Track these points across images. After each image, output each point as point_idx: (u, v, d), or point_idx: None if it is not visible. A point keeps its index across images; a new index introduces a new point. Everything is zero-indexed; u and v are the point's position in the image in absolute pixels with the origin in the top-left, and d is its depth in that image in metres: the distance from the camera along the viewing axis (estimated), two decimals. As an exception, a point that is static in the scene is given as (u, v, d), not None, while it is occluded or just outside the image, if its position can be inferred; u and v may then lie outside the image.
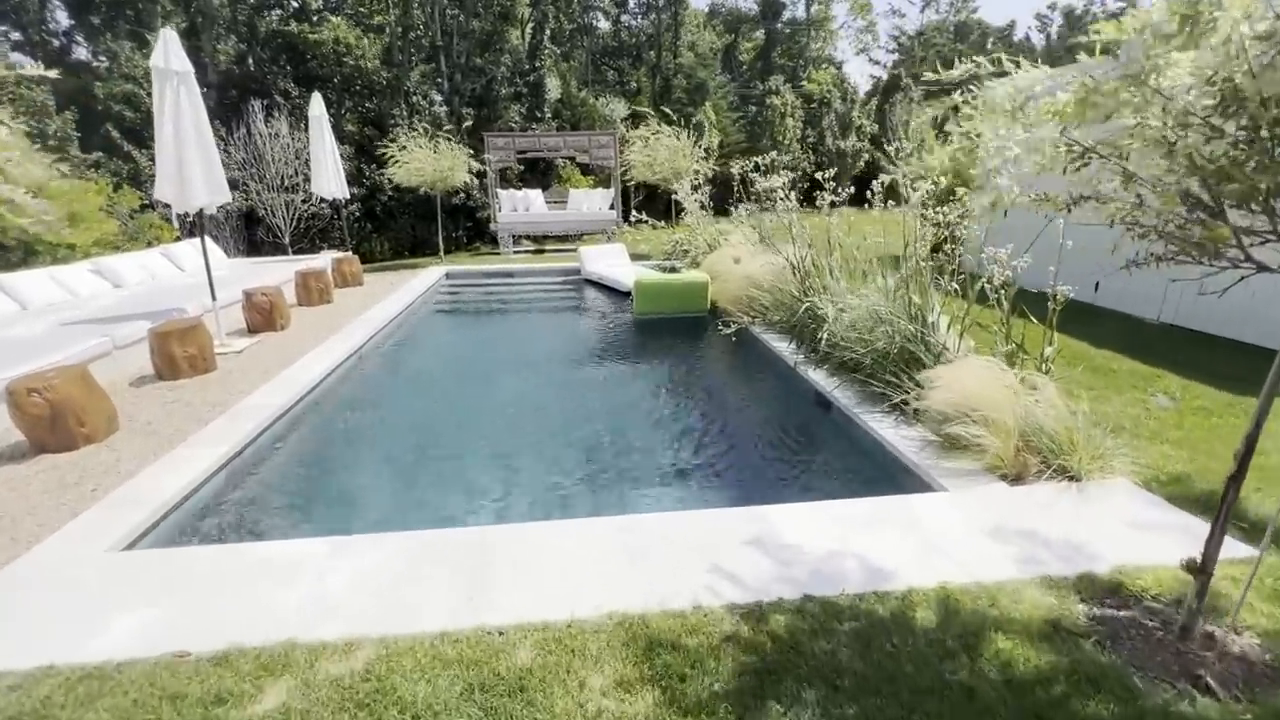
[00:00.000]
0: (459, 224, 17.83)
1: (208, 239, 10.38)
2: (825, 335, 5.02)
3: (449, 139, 11.30)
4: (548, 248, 14.78)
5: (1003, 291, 3.89)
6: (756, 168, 9.32)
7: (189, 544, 3.14)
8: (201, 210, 5.93)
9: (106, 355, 5.31)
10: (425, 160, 10.86)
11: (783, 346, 5.87)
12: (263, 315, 6.72)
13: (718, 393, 5.70)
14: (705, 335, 7.38)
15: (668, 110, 15.86)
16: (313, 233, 14.85)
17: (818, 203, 6.17)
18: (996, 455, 3.38)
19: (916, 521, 3.03)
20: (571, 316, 8.75)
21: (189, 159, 5.61)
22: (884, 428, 4.05)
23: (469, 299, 9.97)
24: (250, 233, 14.40)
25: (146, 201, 11.24)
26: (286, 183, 13.63)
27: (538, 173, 18.70)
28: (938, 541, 2.84)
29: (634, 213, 11.33)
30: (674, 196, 10.95)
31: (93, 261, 7.81)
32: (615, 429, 4.76)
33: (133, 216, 10.58)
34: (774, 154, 9.01)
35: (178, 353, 5.18)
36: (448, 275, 10.77)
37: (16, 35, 19.57)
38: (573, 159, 18.82)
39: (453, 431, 4.73)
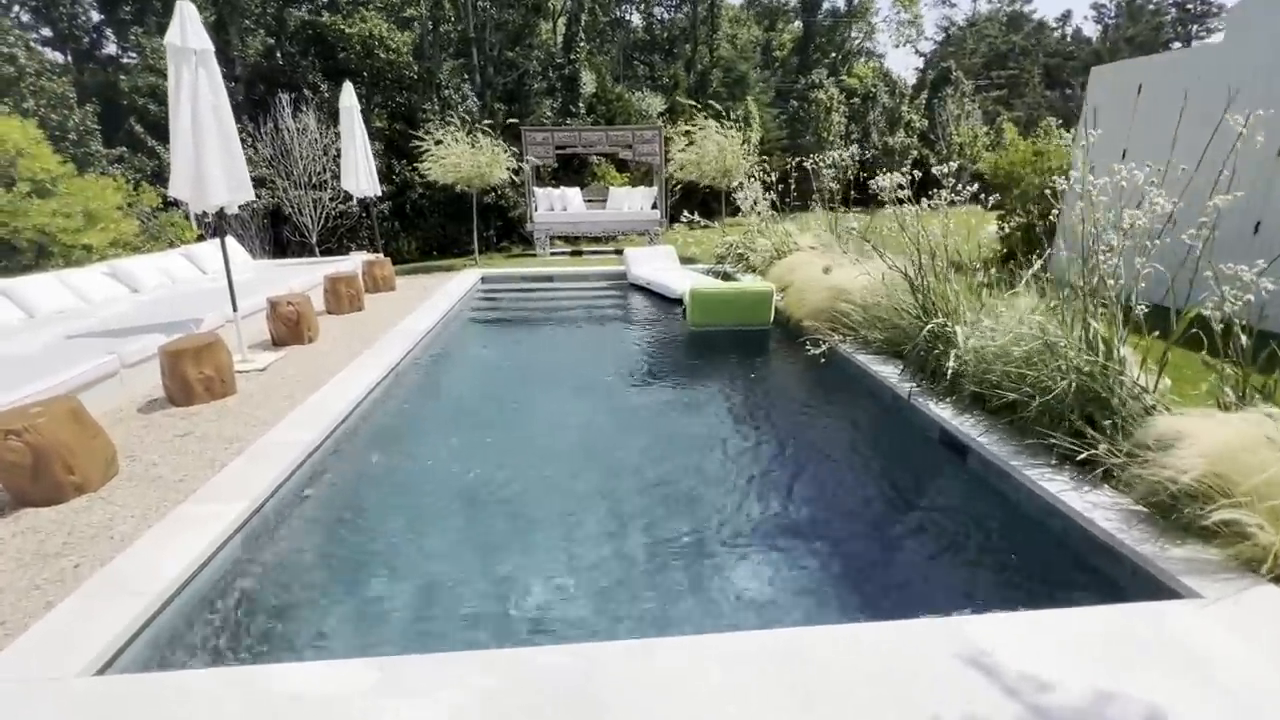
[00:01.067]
0: (489, 223, 17.17)
1: (230, 240, 9.81)
2: (954, 364, 4.15)
3: (488, 133, 10.58)
4: (584, 249, 14.01)
5: (1236, 320, 2.98)
6: (831, 164, 8.43)
7: (186, 661, 2.39)
8: (221, 209, 5.23)
9: (113, 375, 4.63)
10: (463, 156, 10.14)
11: (886, 372, 4.99)
12: (289, 326, 6.03)
13: (812, 428, 4.84)
14: (779, 353, 6.52)
15: (713, 104, 14.98)
16: (340, 232, 14.27)
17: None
18: (1257, 544, 2.50)
19: (1180, 646, 2.16)
20: (621, 327, 7.95)
21: (207, 151, 4.91)
22: (1059, 488, 3.16)
23: (508, 306, 9.22)
24: (276, 232, 13.86)
25: (169, 200, 10.71)
26: (314, 180, 13.06)
27: (570, 170, 17.96)
28: (1235, 687, 1.97)
29: (685, 213, 10.50)
30: (732, 194, 10.08)
31: (108, 264, 7.20)
32: (697, 475, 3.94)
33: (154, 215, 10.03)
34: (851, 149, 8.11)
35: (192, 374, 4.48)
36: (483, 279, 10.05)
37: (47, 31, 19.37)
38: (611, 156, 18.06)
39: (506, 477, 3.95)
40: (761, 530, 3.38)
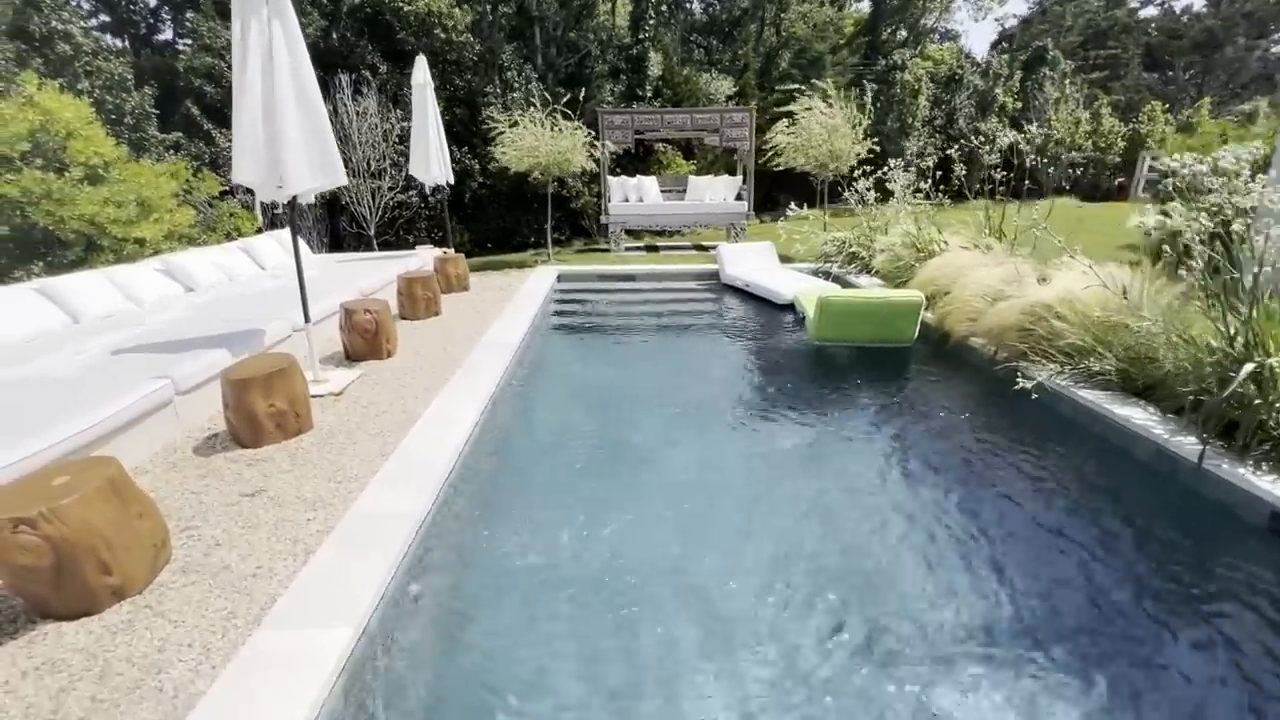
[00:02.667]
0: (548, 215, 16.20)
1: (288, 233, 9.03)
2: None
3: (569, 116, 9.54)
4: (659, 243, 12.90)
5: None
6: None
7: None
8: (294, 199, 4.29)
9: (166, 406, 3.74)
10: (541, 140, 9.12)
11: (1137, 420, 3.76)
12: (366, 339, 5.10)
13: (1037, 492, 3.61)
14: (949, 381, 5.30)
15: (807, 87, 13.62)
16: (399, 224, 13.48)
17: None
18: None
19: None
20: (724, 339, 6.82)
21: (285, 125, 3.95)
22: None
23: (591, 310, 8.18)
24: (333, 223, 13.14)
25: (225, 187, 9.99)
26: (373, 167, 12.26)
27: (633, 158, 16.84)
28: None
29: (791, 205, 9.34)
30: (849, 182, 8.82)
31: (161, 260, 6.41)
32: (888, 560, 2.83)
33: (210, 204, 9.32)
34: (1008, 133, 6.79)
35: (260, 407, 3.55)
36: (560, 278, 9.04)
37: (105, 17, 19.11)
38: (692, 141, 16.87)
39: (643, 565, 2.89)
40: (995, 648, 2.27)
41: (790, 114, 9.96)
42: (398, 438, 3.71)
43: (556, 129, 9.32)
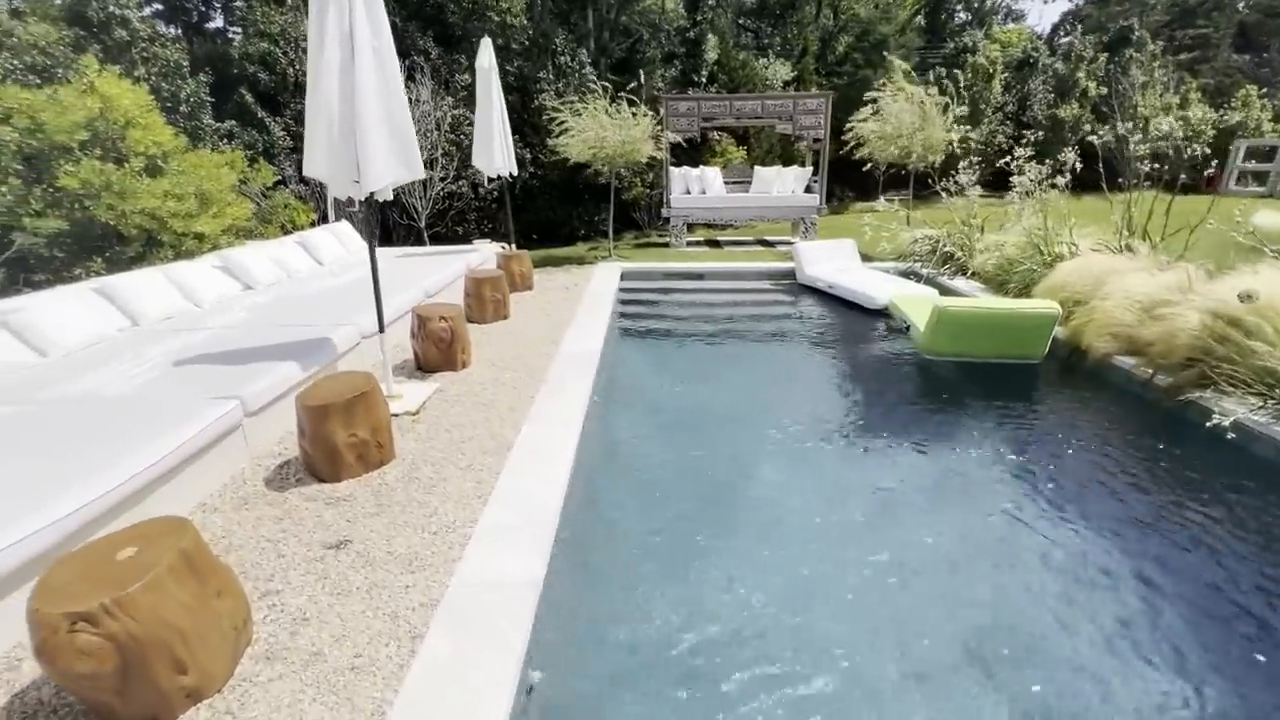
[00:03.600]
0: (598, 207, 15.64)
1: (345, 226, 8.68)
2: None
3: (634, 102, 8.95)
4: (719, 238, 12.25)
5: None
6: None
7: None
8: (371, 196, 3.82)
9: (234, 430, 3.32)
10: (608, 129, 8.56)
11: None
12: (441, 349, 4.64)
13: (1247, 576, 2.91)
14: (1106, 411, 4.57)
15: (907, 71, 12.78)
16: (450, 216, 13.11)
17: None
18: None
19: None
20: (815, 350, 6.18)
21: (366, 116, 3.48)
22: None
23: (661, 313, 7.63)
24: (383, 214, 12.83)
25: (279, 177, 9.70)
26: (426, 157, 11.86)
27: (688, 147, 16.15)
28: None
29: (883, 197, 8.60)
30: (950, 173, 8.03)
31: (219, 256, 6.07)
32: (1073, 652, 2.21)
33: (265, 196, 9.03)
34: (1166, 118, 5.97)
35: (340, 437, 3.09)
36: (624, 276, 8.50)
37: (158, 4, 19.16)
38: (744, 131, 16.14)
39: (812, 634, 2.34)
40: None
41: (873, 100, 9.18)
42: (492, 472, 3.22)
43: (621, 117, 8.73)
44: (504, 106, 7.83)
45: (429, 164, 12.14)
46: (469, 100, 14.55)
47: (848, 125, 9.46)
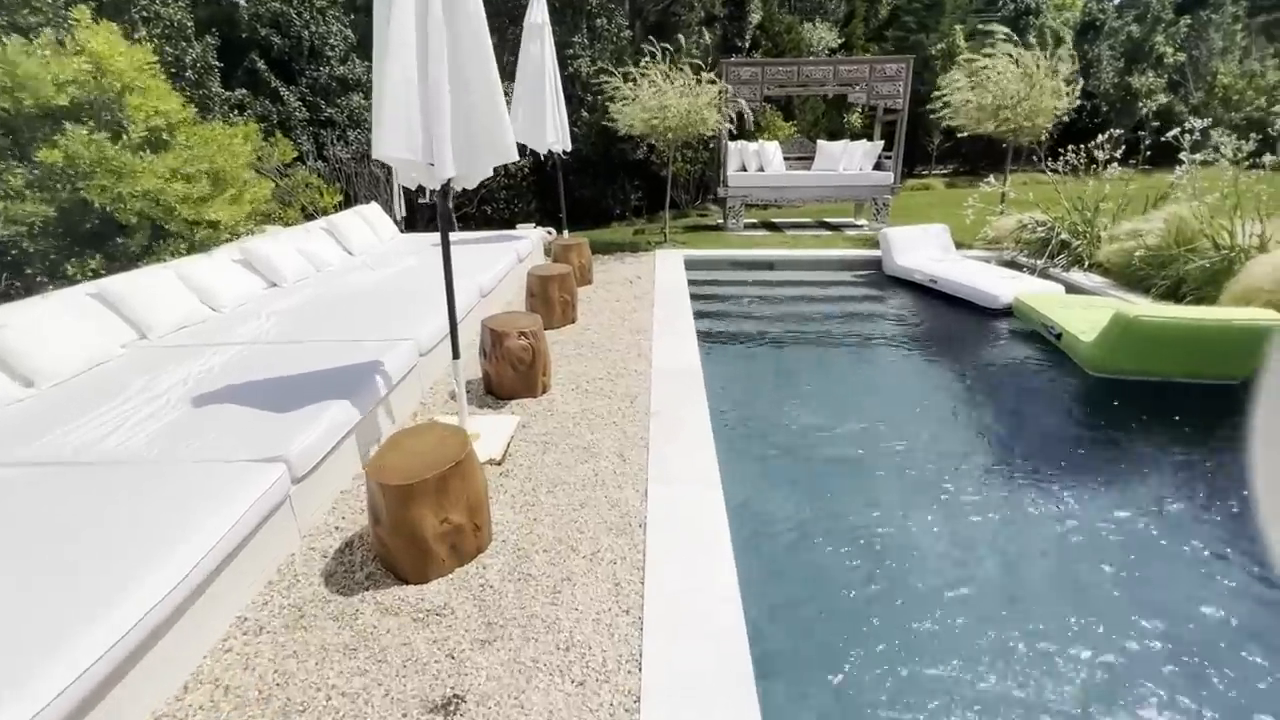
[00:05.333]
0: (627, 187, 14.56)
1: (374, 209, 7.71)
2: None
3: (700, 67, 7.88)
4: (776, 220, 11.21)
5: None
6: None
7: None
8: (448, 183, 2.90)
9: (280, 505, 2.46)
10: (671, 99, 7.50)
11: None
12: (519, 370, 3.74)
13: None
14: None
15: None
16: (479, 195, 12.11)
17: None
18: None
19: None
20: (940, 361, 5.27)
21: (443, 91, 2.56)
22: None
23: (740, 311, 6.68)
24: (407, 195, 11.85)
25: (298, 153, 8.73)
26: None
27: (741, 121, 14.99)
28: None
29: (990, 178, 7.59)
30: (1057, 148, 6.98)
31: (239, 248, 5.17)
32: None
33: (284, 174, 8.08)
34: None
35: (429, 528, 2.23)
36: (687, 265, 7.54)
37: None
38: (787, 100, 14.94)
39: None
40: None
41: (970, 61, 8.07)
42: (631, 566, 2.35)
43: (684, 83, 7.67)
44: (558, 72, 6.82)
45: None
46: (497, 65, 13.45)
47: (935, 94, 8.35)
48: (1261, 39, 18.00)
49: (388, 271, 5.70)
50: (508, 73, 12.37)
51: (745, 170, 9.84)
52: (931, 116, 8.71)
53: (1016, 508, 3.09)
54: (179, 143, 5.08)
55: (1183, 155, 5.97)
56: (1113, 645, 2.26)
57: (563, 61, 12.80)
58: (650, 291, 6.26)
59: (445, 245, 3.07)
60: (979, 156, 17.20)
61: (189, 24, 8.70)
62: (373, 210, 7.36)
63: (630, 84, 7.84)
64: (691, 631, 2.05)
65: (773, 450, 3.70)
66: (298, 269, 5.50)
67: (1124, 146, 6.85)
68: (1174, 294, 5.57)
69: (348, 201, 9.94)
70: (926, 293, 6.80)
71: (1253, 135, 5.57)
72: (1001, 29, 8.47)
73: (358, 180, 10.65)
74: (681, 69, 7.72)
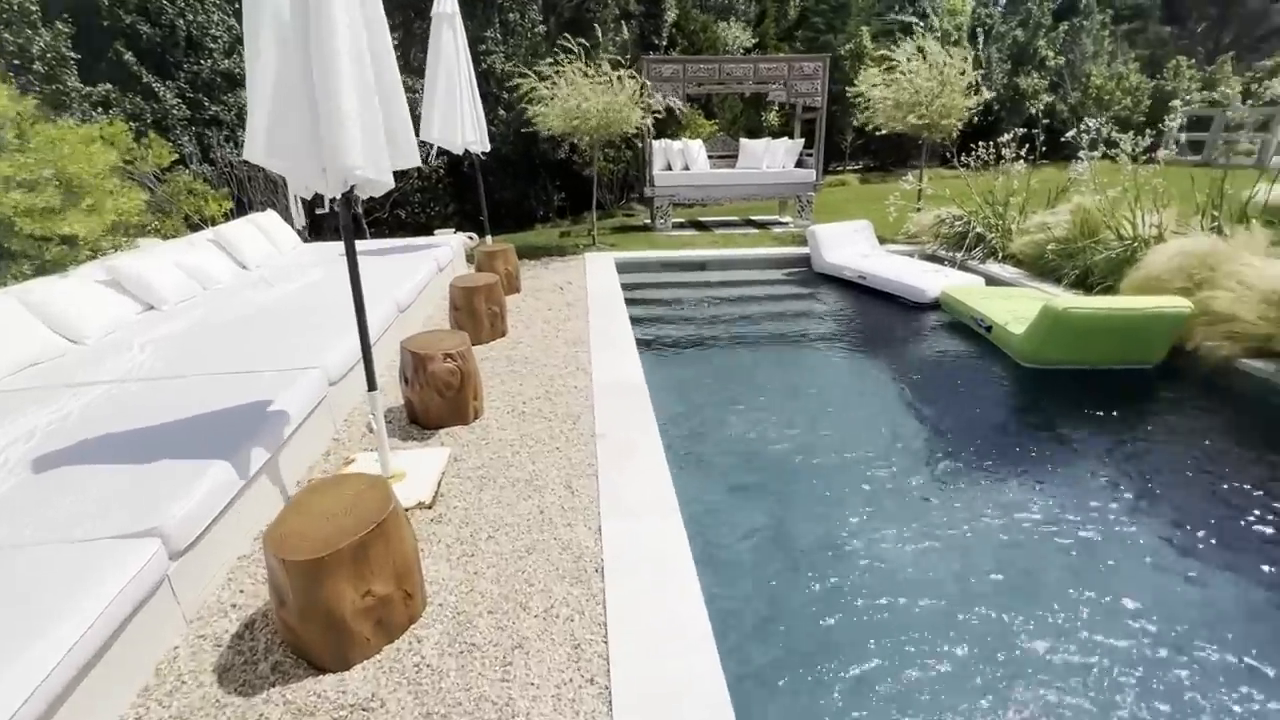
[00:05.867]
0: (549, 188, 14.15)
1: (270, 217, 6.97)
2: None
3: (620, 64, 7.60)
4: (702, 219, 11.15)
5: None
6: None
7: None
8: (350, 190, 2.51)
9: (158, 586, 2.00)
10: (592, 96, 7.19)
11: None
12: (448, 396, 3.36)
13: None
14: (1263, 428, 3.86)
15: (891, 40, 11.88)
16: (390, 200, 11.34)
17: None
18: None
19: None
20: (880, 358, 5.30)
21: (338, 76, 2.18)
22: None
23: (676, 314, 6.51)
24: (307, 202, 10.92)
25: (177, 156, 7.78)
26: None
27: (664, 119, 14.85)
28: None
29: (908, 176, 7.78)
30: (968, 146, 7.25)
31: (104, 266, 4.46)
32: None
33: (160, 179, 7.17)
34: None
35: (348, 604, 1.85)
36: (619, 267, 7.30)
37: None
38: (707, 98, 14.96)
39: None
40: None
41: (885, 58, 8.27)
42: (590, 624, 2.07)
43: (603, 79, 7.39)
44: (471, 68, 6.38)
45: (363, 138, 10.35)
46: (404, 61, 12.67)
47: (852, 91, 8.51)
48: (1125, 44, 19.84)
49: (289, 287, 5.10)
50: (416, 69, 11.70)
51: (671, 169, 9.69)
52: (854, 111, 8.86)
53: (1014, 508, 3.05)
54: (11, 144, 4.30)
55: (1082, 153, 6.31)
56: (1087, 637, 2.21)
57: (476, 58, 12.22)
58: (583, 298, 5.96)
59: (352, 264, 2.68)
60: (888, 153, 17.95)
61: (33, 7, 7.56)
62: (269, 218, 6.64)
63: (547, 83, 7.48)
64: (666, 693, 1.79)
65: (730, 466, 3.51)
66: (180, 288, 4.82)
67: (1028, 144, 7.19)
68: (1082, 283, 5.86)
69: (241, 209, 9.02)
70: (856, 289, 6.88)
71: (1147, 131, 5.94)
72: (912, 20, 8.69)
73: (251, 185, 9.69)
74: (600, 65, 7.44)
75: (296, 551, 1.79)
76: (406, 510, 2.72)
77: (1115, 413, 3.98)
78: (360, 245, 6.82)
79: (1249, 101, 19.47)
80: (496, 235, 10.68)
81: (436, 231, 7.70)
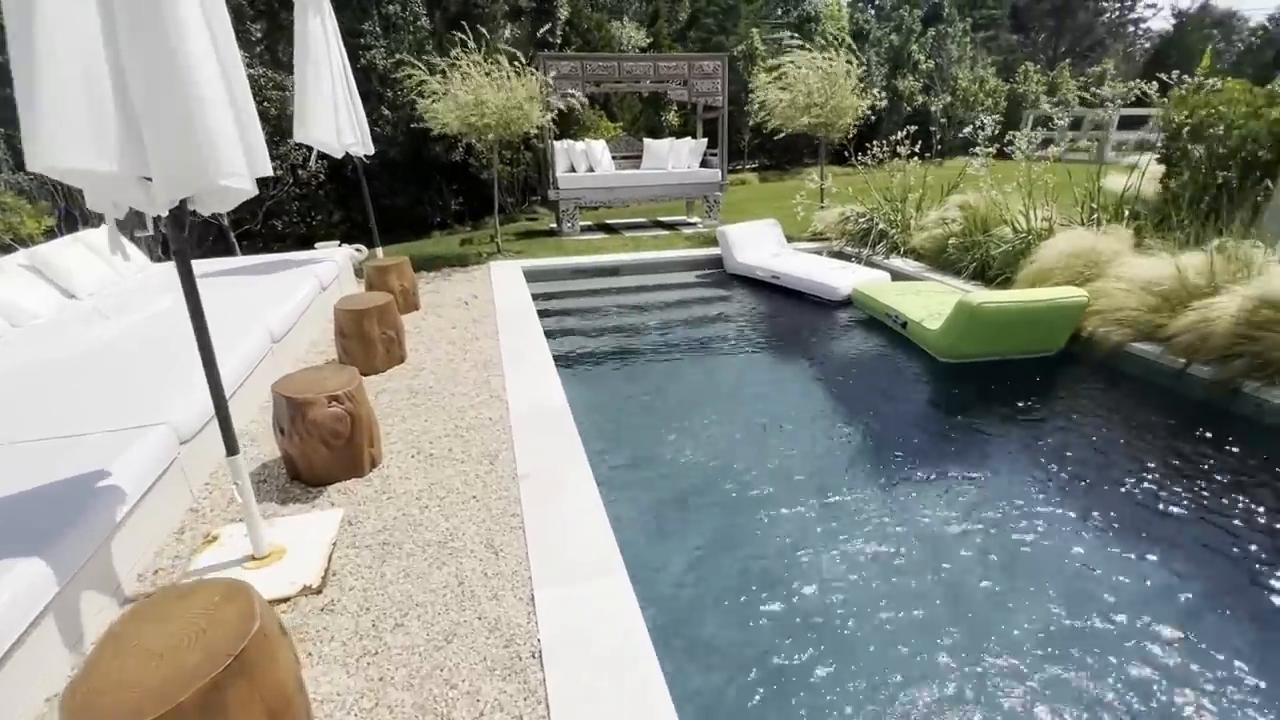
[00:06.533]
0: (445, 192, 13.35)
1: (106, 232, 5.90)
2: None
3: (516, 60, 7.10)
4: (609, 220, 10.85)
5: None
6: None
7: None
8: (182, 206, 1.96)
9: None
10: (489, 94, 6.65)
11: None
12: (335, 447, 2.82)
13: None
14: (1161, 408, 4.06)
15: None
16: (265, 208, 10.15)
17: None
18: None
19: None
20: (800, 360, 5.24)
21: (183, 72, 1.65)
22: None
23: (589, 326, 6.14)
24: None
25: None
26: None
27: (561, 119, 14.37)
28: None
29: (812, 177, 7.85)
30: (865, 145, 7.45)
31: None
32: None
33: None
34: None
35: (198, 763, 1.37)
36: (527, 276, 6.85)
37: None
38: (605, 98, 14.69)
39: None
40: None
41: (775, 66, 8.36)
42: (532, 732, 1.69)
43: (500, 77, 6.90)
44: (346, 61, 5.70)
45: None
46: (270, 56, 11.44)
47: (750, 91, 8.54)
48: (983, 51, 21.69)
49: (131, 319, 4.27)
50: (286, 64, 10.55)
51: (574, 171, 9.32)
52: (749, 111, 8.90)
53: (909, 512, 2.94)
54: None
55: (978, 149, 6.61)
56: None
57: (353, 53, 11.24)
58: (491, 313, 5.48)
59: (192, 302, 2.12)
60: (784, 152, 18.54)
61: None
62: (98, 236, 5.60)
63: (439, 77, 6.88)
64: (636, 828, 1.45)
65: (671, 497, 3.21)
66: (-20, 328, 3.88)
67: (920, 142, 7.48)
68: (981, 275, 6.11)
69: (70, 225, 7.67)
70: (770, 289, 6.84)
71: (1041, 130, 6.29)
72: (790, 28, 8.84)
73: (85, 197, 8.30)
74: (497, 61, 6.94)
75: (113, 714, 1.28)
76: (289, 599, 2.21)
77: (1034, 400, 4.10)
78: (225, 264, 5.93)
79: (1107, 105, 21.79)
80: (389, 246, 9.83)
81: (318, 245, 6.87)
